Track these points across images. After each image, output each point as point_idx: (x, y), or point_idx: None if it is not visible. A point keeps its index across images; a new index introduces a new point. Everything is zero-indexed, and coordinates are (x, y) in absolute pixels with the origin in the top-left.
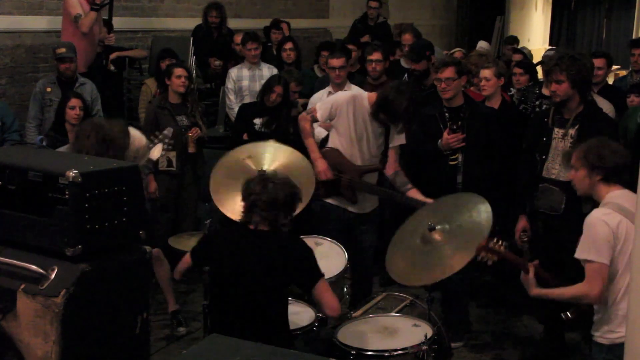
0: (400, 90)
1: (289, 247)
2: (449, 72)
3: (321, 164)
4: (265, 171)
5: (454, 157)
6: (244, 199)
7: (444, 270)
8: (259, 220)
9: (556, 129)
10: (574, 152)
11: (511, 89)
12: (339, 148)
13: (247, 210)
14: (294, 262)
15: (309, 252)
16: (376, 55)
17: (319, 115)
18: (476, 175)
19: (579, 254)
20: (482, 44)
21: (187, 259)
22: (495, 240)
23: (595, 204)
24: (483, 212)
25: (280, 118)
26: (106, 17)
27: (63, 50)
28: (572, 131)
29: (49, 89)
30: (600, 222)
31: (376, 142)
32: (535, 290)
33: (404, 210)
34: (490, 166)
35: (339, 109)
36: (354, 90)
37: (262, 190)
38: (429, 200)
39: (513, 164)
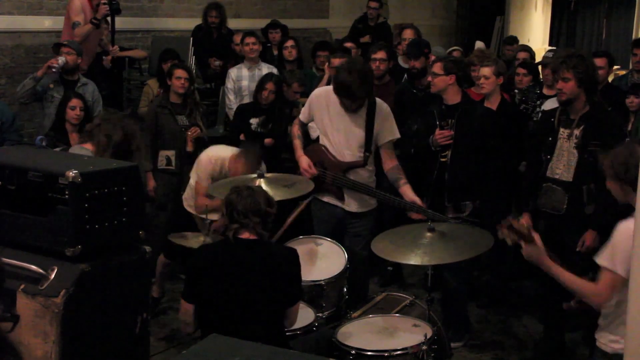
0: (345, 69)
1: (283, 258)
2: (435, 67)
3: (303, 162)
4: (263, 173)
5: (444, 154)
6: (227, 208)
7: (421, 259)
8: (247, 228)
9: (562, 129)
10: (604, 160)
11: (516, 90)
12: (325, 144)
13: (232, 220)
14: (285, 274)
15: (299, 270)
16: (381, 54)
17: (301, 115)
18: (462, 173)
19: (598, 258)
20: (479, 44)
21: (185, 307)
22: (520, 222)
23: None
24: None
25: (275, 118)
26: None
27: (65, 42)
28: (577, 131)
29: (51, 85)
30: (630, 235)
31: (356, 135)
32: (547, 261)
33: (404, 214)
34: (482, 165)
35: (316, 104)
36: None
37: (246, 197)
38: (417, 200)
39: (512, 164)
